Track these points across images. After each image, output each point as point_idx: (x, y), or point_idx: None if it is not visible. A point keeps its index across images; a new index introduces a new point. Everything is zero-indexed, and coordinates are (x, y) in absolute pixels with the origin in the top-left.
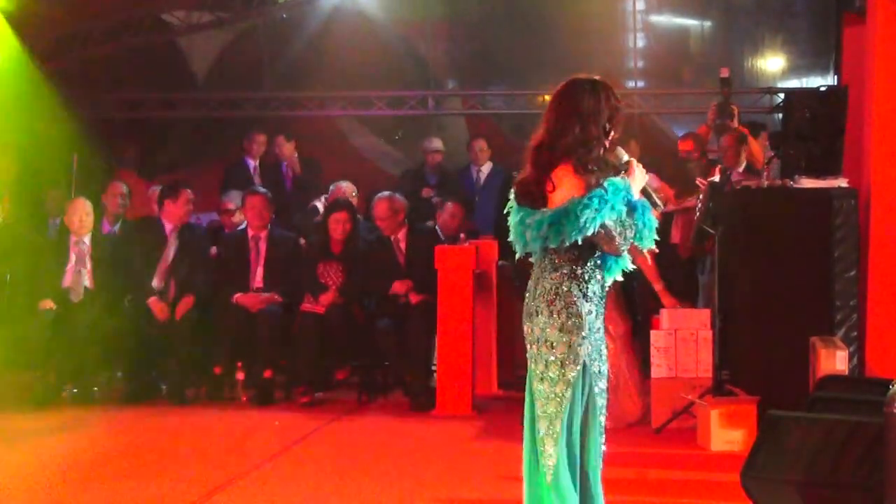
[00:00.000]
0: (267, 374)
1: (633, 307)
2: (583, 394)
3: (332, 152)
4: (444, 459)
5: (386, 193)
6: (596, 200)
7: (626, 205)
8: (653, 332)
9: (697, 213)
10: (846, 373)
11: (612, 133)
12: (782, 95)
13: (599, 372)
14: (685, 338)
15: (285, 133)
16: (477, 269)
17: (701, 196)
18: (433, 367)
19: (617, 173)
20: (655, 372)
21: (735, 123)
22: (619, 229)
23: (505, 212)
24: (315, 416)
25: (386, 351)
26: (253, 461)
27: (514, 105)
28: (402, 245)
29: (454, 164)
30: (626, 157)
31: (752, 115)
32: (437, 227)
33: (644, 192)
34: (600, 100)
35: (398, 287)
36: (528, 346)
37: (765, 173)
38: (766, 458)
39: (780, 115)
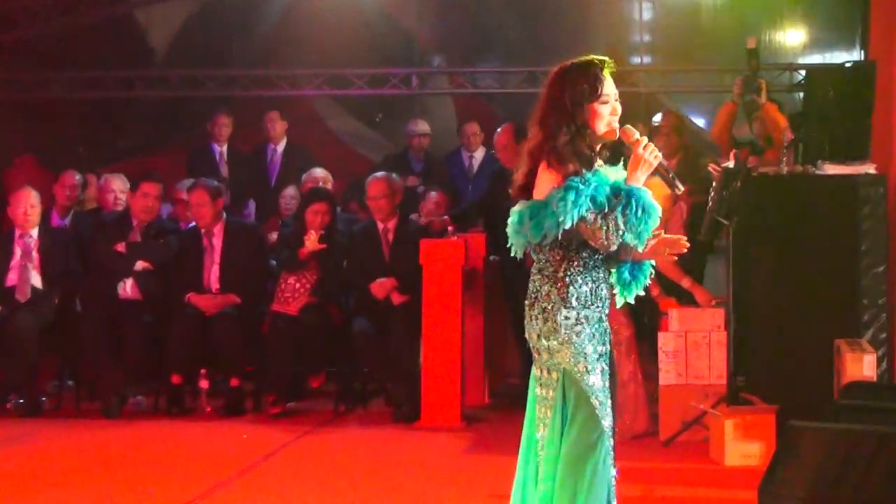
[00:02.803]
0: (234, 382)
1: (639, 307)
2: (565, 403)
3: (306, 136)
4: (430, 475)
5: (381, 173)
6: (572, 191)
7: (616, 193)
8: (661, 335)
9: (710, 203)
10: (874, 379)
11: (593, 117)
12: (803, 72)
13: (587, 370)
14: (696, 341)
15: (279, 109)
16: (466, 265)
17: (714, 184)
18: (418, 374)
19: (616, 158)
20: (664, 378)
21: (763, 99)
22: (601, 222)
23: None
24: (287, 428)
25: (365, 356)
26: (218, 478)
27: (507, 84)
28: (391, 237)
29: (441, 149)
30: (636, 136)
31: (770, 94)
32: (420, 219)
33: (658, 173)
34: (564, 87)
35: (377, 290)
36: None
37: (784, 159)
38: (785, 473)
39: (801, 95)
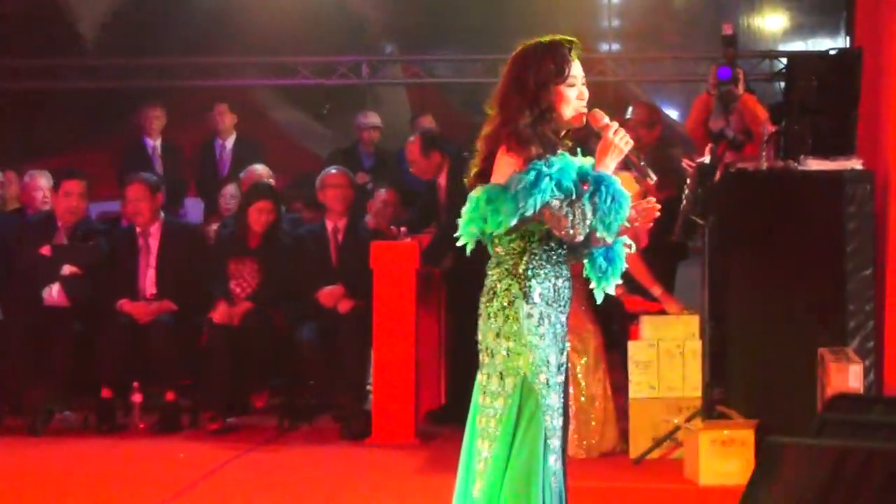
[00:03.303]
0: (169, 396)
1: (609, 314)
2: (519, 416)
3: (247, 129)
4: (381, 496)
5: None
6: (533, 174)
7: (584, 180)
8: (631, 344)
9: (683, 201)
10: (861, 391)
11: (559, 100)
12: (784, 61)
13: (548, 384)
14: (669, 350)
15: (228, 101)
16: (421, 268)
17: (688, 180)
18: (368, 387)
19: (582, 144)
20: (634, 391)
21: (740, 90)
22: (566, 209)
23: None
24: (227, 445)
25: (311, 367)
26: (153, 500)
27: (465, 73)
28: (340, 238)
29: (393, 144)
30: (605, 120)
31: (748, 83)
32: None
33: (628, 162)
34: (528, 66)
35: (325, 299)
36: (480, 355)
37: (764, 153)
38: (765, 492)
39: (782, 84)
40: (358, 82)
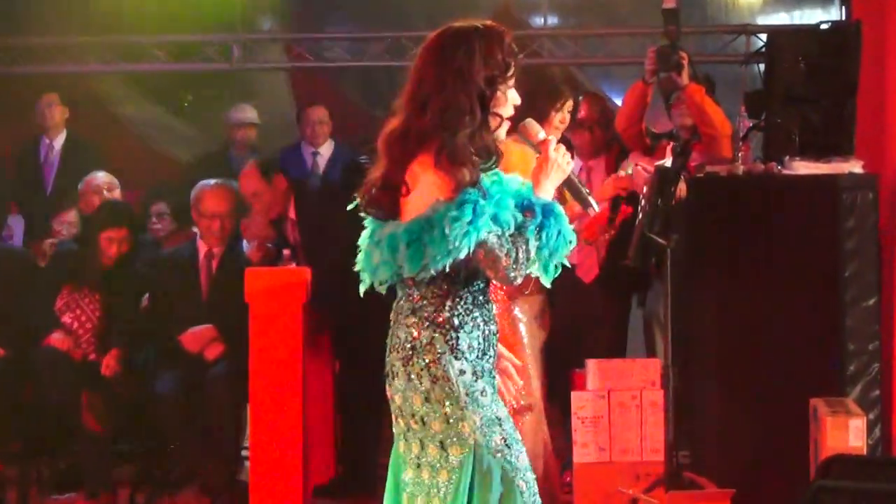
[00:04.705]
0: None
1: (549, 359)
2: (474, 491)
3: (83, 126)
4: None
5: (220, 181)
6: (469, 207)
7: (524, 209)
8: (574, 395)
9: (640, 215)
10: (863, 451)
11: (499, 104)
12: (763, 37)
13: (507, 443)
14: (623, 402)
15: (59, 91)
16: (309, 300)
17: (645, 190)
18: (244, 452)
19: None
20: (579, 455)
21: (684, 79)
22: (507, 247)
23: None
24: None
25: (172, 428)
26: None
27: (364, 55)
28: (215, 265)
29: (274, 144)
30: (541, 135)
31: (717, 66)
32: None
33: (567, 186)
34: (474, 57)
35: (190, 342)
36: (394, 418)
37: (740, 154)
38: None
39: (761, 67)
40: (228, 68)
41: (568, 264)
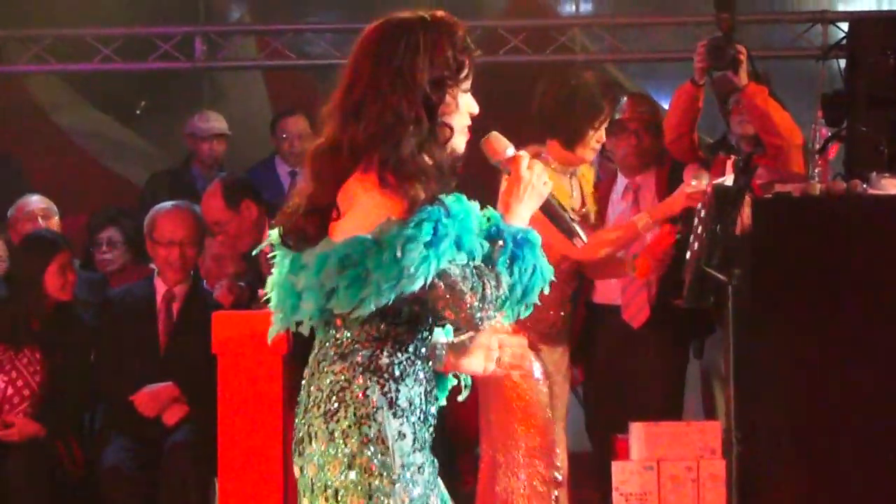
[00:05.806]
0: None
1: None
2: None
3: (11, 138)
4: None
5: (181, 203)
6: (429, 226)
7: (489, 237)
8: (615, 466)
9: (694, 245)
10: None
11: (449, 111)
12: (845, 26)
13: None
14: (677, 475)
15: None
16: (291, 351)
17: (700, 213)
18: None
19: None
20: None
21: (743, 78)
22: (472, 281)
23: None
24: None
25: None
26: None
27: (348, 49)
28: (175, 309)
29: (245, 159)
30: (510, 151)
31: (787, 62)
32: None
33: (546, 212)
34: (418, 54)
35: (145, 405)
36: (299, 499)
37: (816, 170)
38: None
39: (842, 63)
40: (190, 66)
41: (539, 303)
